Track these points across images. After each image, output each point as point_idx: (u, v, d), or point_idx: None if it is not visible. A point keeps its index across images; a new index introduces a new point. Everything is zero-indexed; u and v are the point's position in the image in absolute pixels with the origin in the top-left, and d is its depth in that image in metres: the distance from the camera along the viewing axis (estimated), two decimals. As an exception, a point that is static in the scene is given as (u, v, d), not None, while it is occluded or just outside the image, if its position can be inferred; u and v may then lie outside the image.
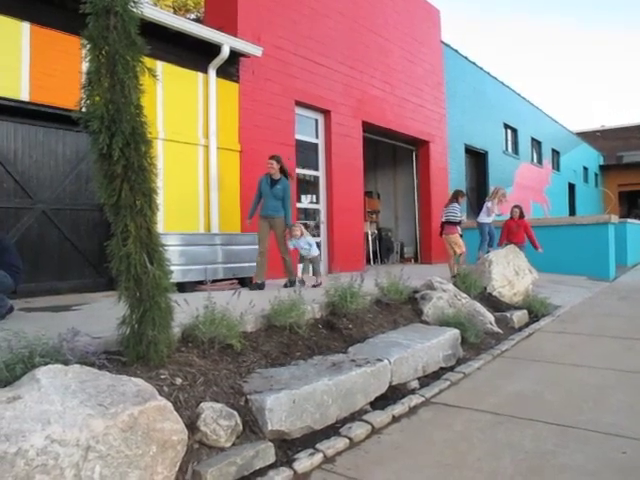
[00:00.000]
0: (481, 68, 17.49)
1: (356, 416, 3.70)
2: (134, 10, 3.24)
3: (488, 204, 10.02)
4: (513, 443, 3.25)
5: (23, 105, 6.36)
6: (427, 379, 4.60)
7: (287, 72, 9.59)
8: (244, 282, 6.90)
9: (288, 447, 3.24)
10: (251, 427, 3.16)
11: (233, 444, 3.02)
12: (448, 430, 3.50)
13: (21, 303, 5.44)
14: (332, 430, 3.48)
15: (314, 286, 6.85)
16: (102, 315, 4.44)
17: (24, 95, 6.34)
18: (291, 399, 3.28)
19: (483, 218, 9.99)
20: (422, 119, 13.63)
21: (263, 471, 2.94)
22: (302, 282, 7.16)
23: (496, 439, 3.32)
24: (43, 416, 2.25)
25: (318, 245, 10.37)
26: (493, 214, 9.96)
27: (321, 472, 3.00)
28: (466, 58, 16.51)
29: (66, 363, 2.78)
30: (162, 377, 3.09)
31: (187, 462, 2.76)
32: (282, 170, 7.27)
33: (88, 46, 3.21)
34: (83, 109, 3.18)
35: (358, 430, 3.45)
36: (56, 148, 6.90)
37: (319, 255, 7.59)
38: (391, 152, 15.17)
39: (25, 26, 6.38)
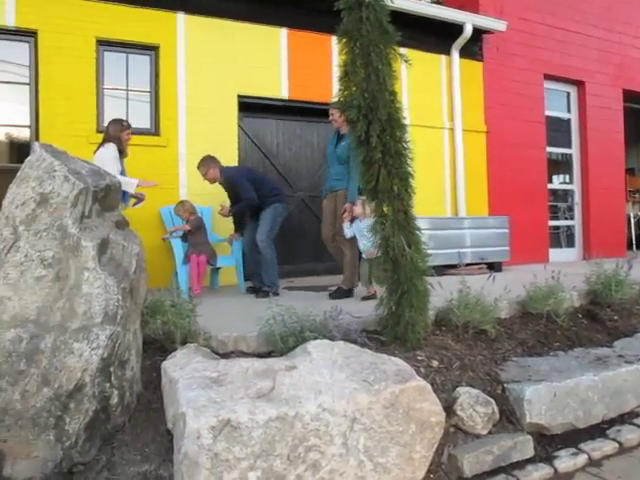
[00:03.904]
0: None
1: (626, 418, 3.35)
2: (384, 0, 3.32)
3: None
4: None
5: (283, 103, 7.02)
6: None
7: (534, 44, 8.95)
8: (492, 266, 6.67)
9: (547, 443, 3.06)
10: (508, 417, 3.06)
11: (489, 432, 2.96)
12: None
13: (284, 282, 6.02)
14: (597, 431, 3.20)
15: (366, 298, 4.78)
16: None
17: (284, 93, 6.98)
18: (551, 392, 3.09)
19: None
20: (701, 80, 11.59)
21: (521, 464, 2.83)
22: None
23: None
24: (315, 386, 2.45)
25: (570, 229, 9.60)
26: None
27: (586, 475, 2.78)
28: None
29: (332, 339, 3.00)
30: (419, 358, 3.15)
31: (443, 445, 2.77)
32: None
33: (343, 40, 3.38)
34: (341, 100, 3.37)
35: (629, 435, 3.13)
36: (311, 140, 7.49)
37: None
38: (657, 122, 13.23)
39: (282, 31, 7.01)
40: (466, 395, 2.97)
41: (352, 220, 4.89)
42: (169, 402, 2.63)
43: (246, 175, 5.59)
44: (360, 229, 4.79)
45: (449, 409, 2.90)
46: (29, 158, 2.88)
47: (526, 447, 2.90)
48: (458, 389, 3.02)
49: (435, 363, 3.17)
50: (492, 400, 3.03)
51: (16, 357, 2.51)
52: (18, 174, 2.85)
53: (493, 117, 8.44)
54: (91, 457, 2.54)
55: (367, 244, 4.59)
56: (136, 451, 2.57)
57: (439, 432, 2.64)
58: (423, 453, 2.56)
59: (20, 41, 5.71)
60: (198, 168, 5.53)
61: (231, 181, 5.49)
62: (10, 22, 5.57)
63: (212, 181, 5.59)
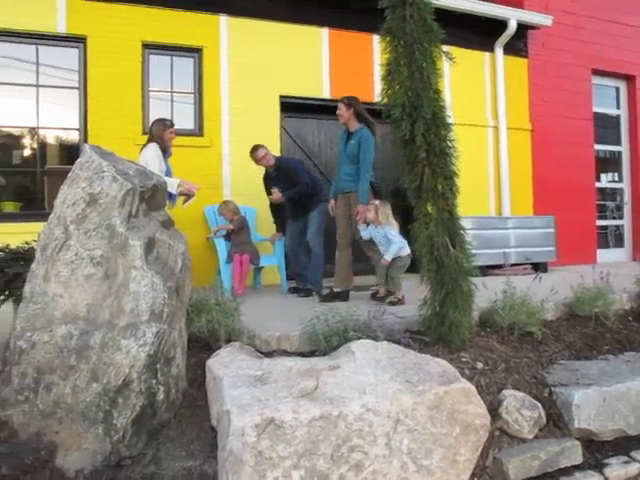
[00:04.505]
0: None
1: (680, 427, 3.22)
2: (427, -3, 3.29)
3: None
4: None
5: (325, 102, 6.99)
6: None
7: (581, 39, 8.70)
8: (538, 267, 6.54)
9: (596, 449, 2.98)
10: (555, 421, 2.99)
11: (535, 437, 2.89)
12: None
13: (325, 282, 6.00)
14: (649, 439, 3.09)
15: (392, 303, 4.52)
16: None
17: (325, 93, 6.99)
18: (601, 397, 3.00)
19: None
20: None
21: (569, 471, 2.76)
22: (381, 298, 4.78)
23: None
24: (359, 386, 2.44)
25: (618, 229, 9.30)
26: None
27: (638, 485, 2.69)
28: None
29: (375, 339, 2.99)
30: (463, 360, 3.11)
31: (487, 448, 2.73)
32: (360, 117, 4.95)
33: (387, 38, 3.35)
34: (384, 99, 3.34)
35: (684, 444, 3.01)
36: (352, 140, 7.45)
37: (407, 258, 4.69)
38: None
39: (324, 31, 7.02)
40: (512, 398, 2.91)
41: (366, 222, 4.79)
42: (213, 399, 2.66)
43: (300, 164, 5.82)
44: (375, 236, 4.75)
45: (494, 412, 2.85)
46: (79, 159, 2.96)
47: (574, 453, 2.83)
48: (503, 392, 2.97)
49: (480, 365, 3.12)
50: (538, 404, 2.96)
51: (67, 353, 2.59)
52: (69, 175, 2.94)
53: (538, 114, 8.26)
54: (138, 451, 2.59)
55: (381, 249, 4.72)
56: (181, 447, 2.62)
57: (484, 435, 2.60)
58: (467, 456, 2.53)
59: (70, 47, 5.90)
60: (252, 152, 5.62)
61: (288, 166, 5.65)
62: (61, 29, 5.76)
63: (266, 164, 5.68)
